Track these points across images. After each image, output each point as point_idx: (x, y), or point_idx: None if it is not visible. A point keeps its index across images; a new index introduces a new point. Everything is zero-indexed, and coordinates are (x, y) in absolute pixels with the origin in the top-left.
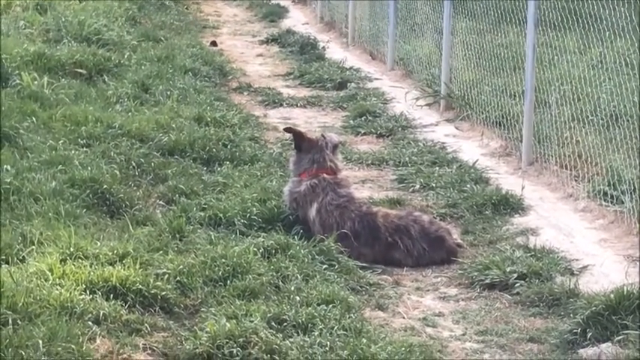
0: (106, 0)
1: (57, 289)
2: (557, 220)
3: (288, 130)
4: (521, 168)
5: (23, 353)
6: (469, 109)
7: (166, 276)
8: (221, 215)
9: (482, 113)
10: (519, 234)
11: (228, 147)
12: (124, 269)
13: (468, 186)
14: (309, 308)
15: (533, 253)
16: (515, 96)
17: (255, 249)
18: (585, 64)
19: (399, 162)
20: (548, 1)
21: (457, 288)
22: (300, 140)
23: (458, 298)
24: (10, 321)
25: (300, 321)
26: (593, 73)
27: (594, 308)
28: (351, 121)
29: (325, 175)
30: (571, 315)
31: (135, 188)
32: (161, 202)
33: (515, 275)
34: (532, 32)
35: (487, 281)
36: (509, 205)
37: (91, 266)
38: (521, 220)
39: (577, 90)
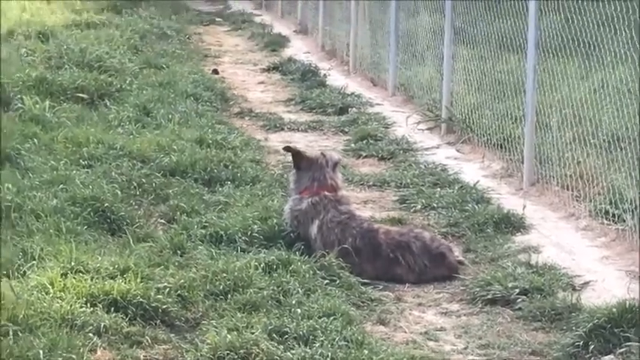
0: (108, 29)
1: (58, 302)
2: (559, 239)
3: (287, 149)
4: (523, 188)
5: None
6: (470, 132)
7: (167, 290)
8: (222, 232)
9: (484, 136)
10: (521, 252)
11: (230, 168)
12: (125, 283)
13: (470, 206)
14: (311, 321)
15: (535, 269)
16: (516, 119)
17: (256, 264)
18: (586, 89)
19: (401, 183)
20: (548, 28)
21: (459, 304)
22: (299, 159)
23: (460, 313)
24: (11, 332)
25: (301, 333)
26: (594, 97)
27: (596, 321)
28: (353, 145)
29: (326, 193)
30: (573, 328)
31: (136, 207)
32: (162, 221)
33: (517, 291)
34: (533, 53)
35: (489, 297)
36: (510, 224)
37: (91, 280)
38: (522, 239)
39: (578, 113)
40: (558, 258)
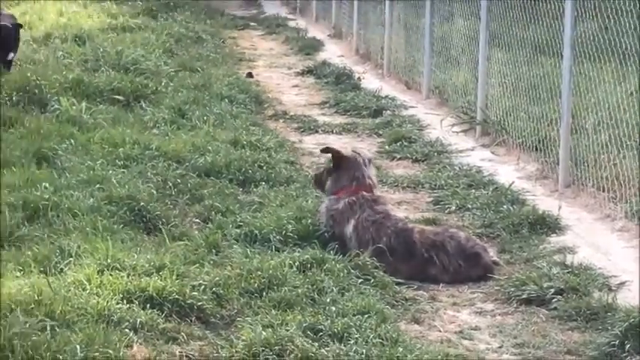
0: (144, 33)
1: (94, 298)
2: (595, 239)
3: (326, 150)
4: (558, 190)
5: (61, 357)
6: (505, 134)
7: (202, 287)
8: (257, 232)
9: (519, 138)
10: (556, 252)
11: (264, 169)
12: (161, 280)
13: (505, 207)
14: (345, 318)
15: (570, 269)
16: (551, 122)
17: (290, 262)
18: (622, 92)
19: (435, 185)
20: (585, 29)
21: (494, 303)
22: (339, 159)
23: (494, 312)
24: (48, 327)
25: (335, 330)
26: (630, 100)
27: (632, 321)
28: (387, 147)
29: (364, 193)
30: (609, 328)
31: (171, 207)
32: (197, 220)
33: (553, 291)
34: (569, 54)
35: (524, 296)
36: (546, 225)
37: (128, 277)
38: (558, 240)
39: (614, 115)
40: (594, 258)
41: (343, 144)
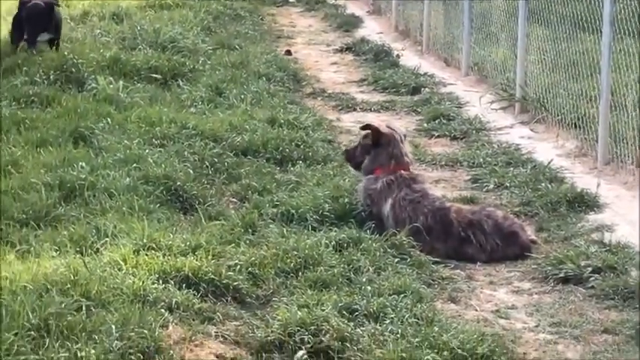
0: (182, 10)
1: (130, 278)
2: (634, 217)
3: (366, 127)
4: (597, 167)
5: (96, 337)
6: (544, 111)
7: (238, 267)
8: (293, 211)
9: (558, 115)
10: (594, 230)
11: (301, 147)
12: (197, 260)
13: (543, 185)
14: (381, 298)
15: (608, 248)
16: (590, 99)
17: (327, 242)
18: None
19: (473, 163)
20: (625, 6)
21: (531, 282)
22: (378, 136)
23: (531, 291)
24: (84, 307)
25: (371, 310)
26: None
27: None
28: (425, 124)
29: (402, 172)
30: None
31: (208, 186)
32: (234, 200)
33: (590, 269)
34: (608, 31)
35: (561, 275)
36: (584, 203)
37: (163, 257)
38: (596, 217)
39: None
40: (632, 236)
41: (381, 122)
